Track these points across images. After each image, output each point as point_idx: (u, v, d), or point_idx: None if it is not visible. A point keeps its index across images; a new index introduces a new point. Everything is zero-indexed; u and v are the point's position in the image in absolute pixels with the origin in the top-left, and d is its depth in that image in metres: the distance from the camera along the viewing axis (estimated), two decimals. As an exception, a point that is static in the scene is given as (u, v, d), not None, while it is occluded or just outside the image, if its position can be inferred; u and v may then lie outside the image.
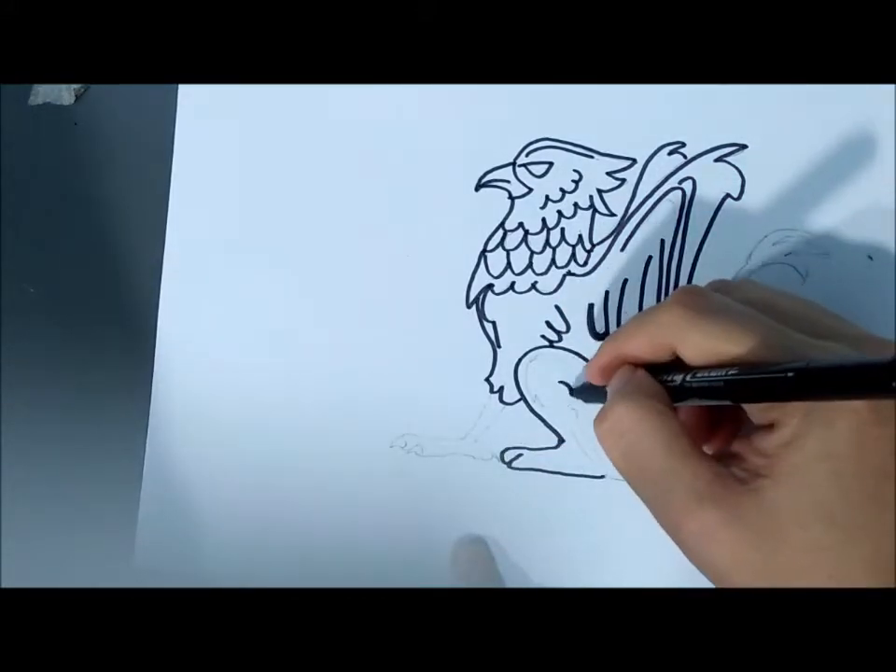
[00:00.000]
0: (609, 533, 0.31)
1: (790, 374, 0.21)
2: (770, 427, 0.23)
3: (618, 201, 0.31)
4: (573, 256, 0.31)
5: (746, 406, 0.24)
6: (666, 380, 0.25)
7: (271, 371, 0.32)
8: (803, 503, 0.22)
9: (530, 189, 0.31)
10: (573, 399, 0.31)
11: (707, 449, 0.27)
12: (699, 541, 0.23)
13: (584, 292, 0.31)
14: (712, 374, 0.23)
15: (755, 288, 0.27)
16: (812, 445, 0.22)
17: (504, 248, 0.31)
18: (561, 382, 0.31)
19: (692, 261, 0.30)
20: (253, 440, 0.32)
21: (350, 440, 0.32)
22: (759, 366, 0.22)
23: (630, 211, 0.31)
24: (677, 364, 0.25)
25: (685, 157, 0.30)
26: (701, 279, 0.30)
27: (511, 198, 0.31)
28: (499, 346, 0.31)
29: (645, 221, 0.31)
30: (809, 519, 0.22)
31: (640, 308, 0.31)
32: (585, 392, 0.30)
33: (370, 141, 0.32)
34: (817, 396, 0.21)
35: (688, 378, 0.24)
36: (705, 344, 0.24)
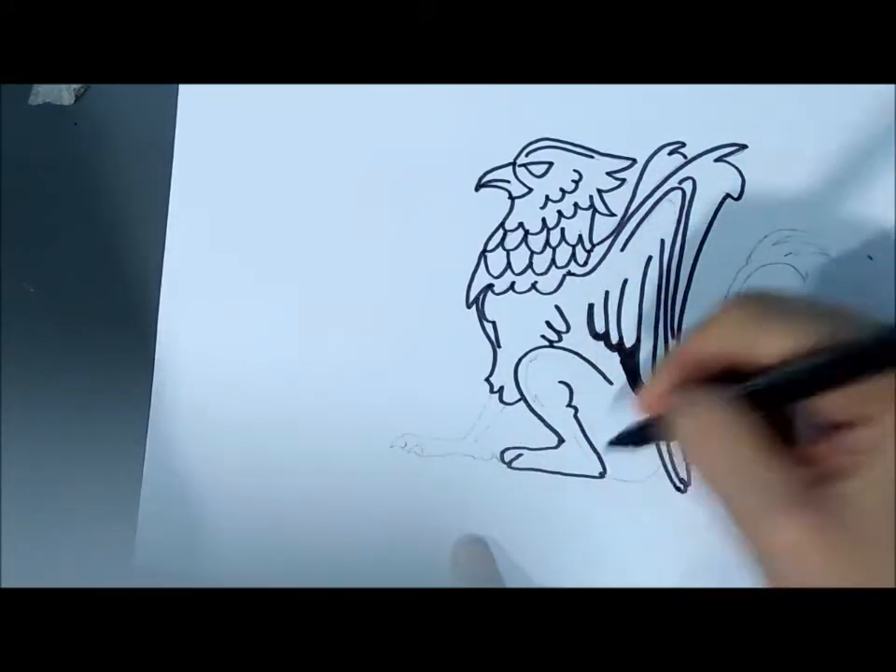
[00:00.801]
0: (608, 533, 0.31)
1: (882, 335, 0.20)
2: (851, 425, 0.22)
3: (618, 201, 0.31)
4: (573, 256, 0.31)
5: (826, 404, 0.23)
6: (748, 387, 0.24)
7: (270, 370, 0.32)
8: None
9: (530, 189, 0.31)
10: (573, 399, 0.31)
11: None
12: (795, 547, 0.21)
13: (584, 292, 0.31)
14: (793, 367, 0.22)
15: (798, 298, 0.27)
16: None
17: (504, 248, 0.31)
18: (561, 382, 0.31)
19: (692, 261, 0.30)
20: (253, 439, 0.32)
21: (350, 439, 0.32)
22: (844, 346, 0.21)
23: (630, 211, 0.31)
24: (744, 374, 0.24)
25: (685, 157, 0.30)
26: (701, 279, 0.30)
27: (511, 198, 0.31)
28: (499, 346, 0.31)
29: (645, 221, 0.31)
30: None
31: (640, 308, 0.31)
32: (632, 435, 0.29)
33: (370, 141, 0.32)
34: None
35: (764, 379, 0.23)
36: (782, 336, 0.23)
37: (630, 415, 0.30)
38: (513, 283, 0.31)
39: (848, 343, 0.21)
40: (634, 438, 0.29)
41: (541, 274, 0.31)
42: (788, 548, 0.22)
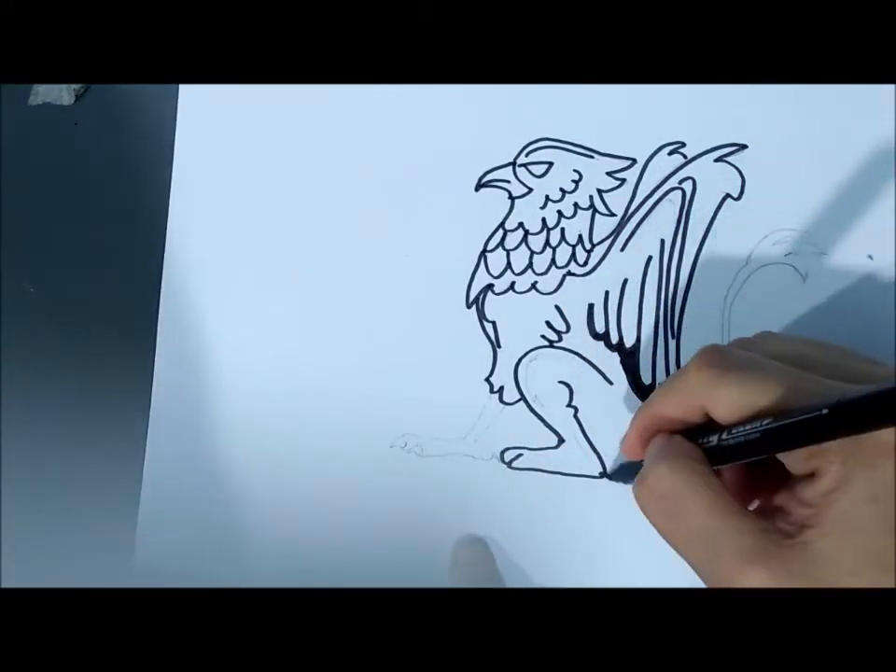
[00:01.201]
0: (608, 533, 0.31)
1: (824, 412, 0.21)
2: (811, 476, 0.23)
3: (618, 201, 0.31)
4: (573, 256, 0.31)
5: (785, 459, 0.24)
6: (703, 442, 0.25)
7: (270, 370, 0.32)
8: (852, 550, 0.22)
9: (530, 189, 0.31)
10: (573, 399, 0.31)
11: (749, 506, 0.26)
12: None
13: (584, 292, 0.31)
14: (747, 427, 0.23)
15: (777, 341, 0.27)
16: (857, 489, 0.22)
17: (504, 248, 0.31)
18: (561, 382, 0.31)
19: (692, 261, 0.30)
20: (253, 440, 0.32)
21: (350, 439, 0.32)
22: (792, 412, 0.22)
23: (630, 211, 0.31)
24: (710, 426, 0.25)
25: (685, 157, 0.30)
26: (701, 279, 0.30)
27: (511, 198, 0.31)
28: (499, 346, 0.31)
29: (645, 221, 0.31)
30: (860, 565, 0.21)
31: (640, 308, 0.31)
32: (623, 472, 0.30)
33: (370, 141, 0.32)
34: (853, 429, 0.21)
35: (724, 436, 0.24)
36: (736, 400, 0.24)
37: (629, 416, 0.30)
38: (513, 283, 0.31)
39: (794, 413, 0.22)
40: (624, 476, 0.30)
41: (541, 274, 0.31)
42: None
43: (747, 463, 0.24)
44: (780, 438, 0.22)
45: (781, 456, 0.24)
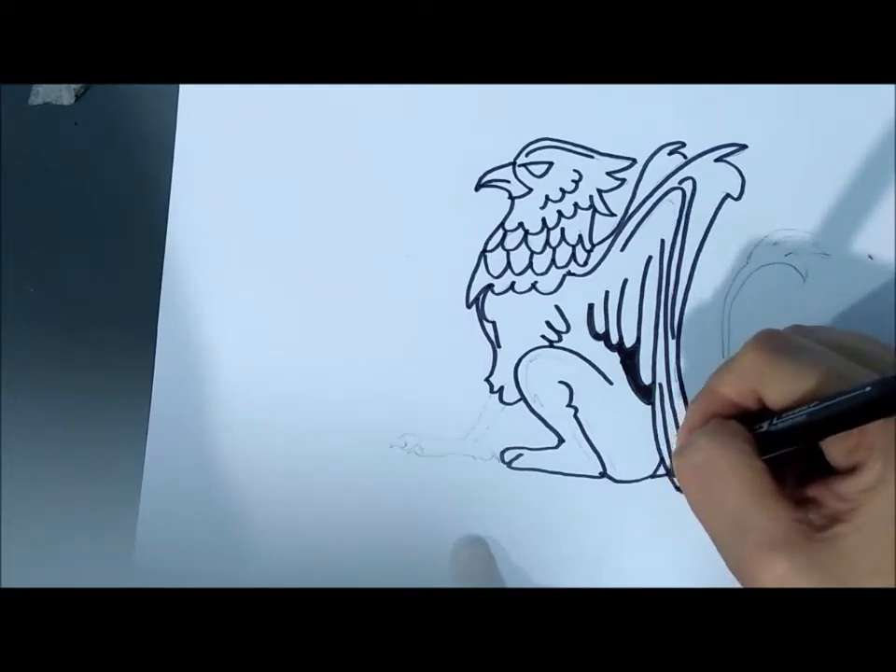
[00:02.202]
0: (608, 533, 0.31)
1: (867, 389, 0.21)
2: (851, 471, 0.23)
3: (618, 201, 0.31)
4: (573, 256, 0.31)
5: (828, 452, 0.24)
6: (755, 429, 0.25)
7: (270, 370, 0.32)
8: (881, 549, 0.22)
9: (530, 189, 0.31)
10: (573, 399, 0.31)
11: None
12: (779, 584, 0.23)
13: (584, 292, 0.31)
14: (794, 412, 0.24)
15: (825, 331, 0.27)
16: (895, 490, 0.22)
17: (504, 248, 0.31)
18: (561, 382, 0.31)
19: (692, 261, 0.30)
20: (252, 440, 0.32)
21: (350, 439, 0.32)
22: (838, 395, 0.22)
23: (630, 211, 0.31)
24: (763, 415, 0.25)
25: (685, 157, 0.30)
26: (701, 279, 0.30)
27: (511, 198, 0.31)
28: (499, 346, 0.31)
29: (645, 221, 0.31)
30: (886, 566, 0.21)
31: (640, 308, 0.31)
32: None
33: (370, 141, 0.32)
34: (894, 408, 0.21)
35: (774, 421, 0.24)
36: (789, 383, 0.24)
37: (629, 416, 0.30)
38: (513, 283, 0.31)
39: (846, 394, 0.22)
40: None
41: (541, 274, 0.31)
42: (774, 580, 0.23)
43: (791, 454, 0.24)
44: (826, 420, 0.22)
45: (825, 450, 0.24)
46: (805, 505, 0.24)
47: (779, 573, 0.22)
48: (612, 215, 0.31)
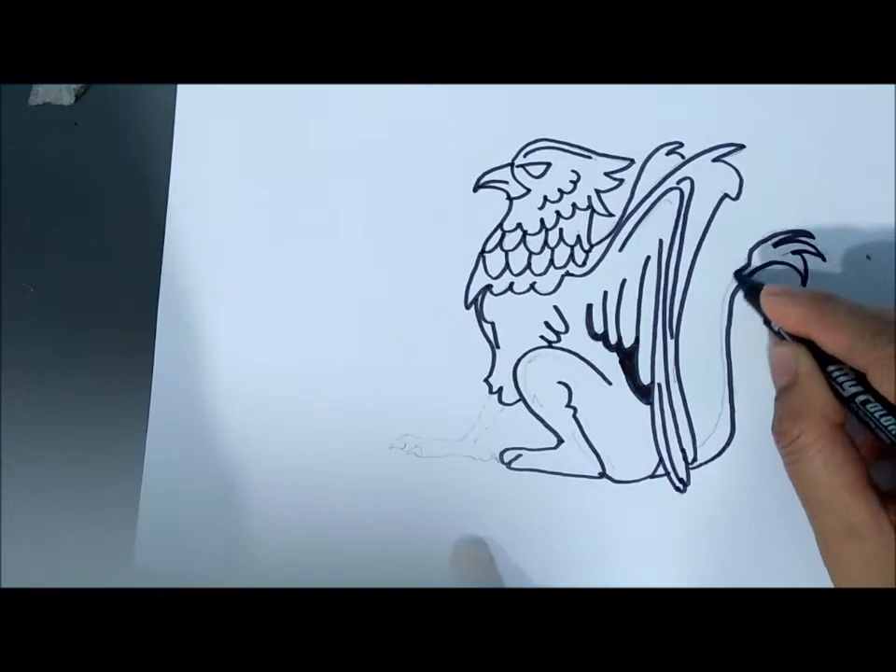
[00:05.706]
0: (607, 533, 0.31)
1: None
2: None
3: (616, 201, 0.31)
4: (571, 256, 0.31)
5: None
6: (837, 379, 0.26)
7: (269, 371, 0.32)
8: None
9: (528, 190, 0.31)
10: (572, 399, 0.31)
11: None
12: (837, 572, 0.25)
13: (583, 292, 0.31)
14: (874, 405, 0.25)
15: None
16: None
17: (502, 249, 0.31)
18: (560, 382, 0.31)
19: (690, 261, 0.30)
20: (252, 440, 0.32)
21: (350, 440, 0.32)
22: None
23: (628, 211, 0.31)
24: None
25: (683, 157, 0.30)
26: (699, 279, 0.30)
27: (510, 199, 0.31)
28: (498, 347, 0.31)
29: (643, 221, 0.31)
30: None
31: (639, 308, 0.31)
32: (752, 287, 0.30)
33: (368, 142, 0.32)
34: None
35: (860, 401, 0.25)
36: (845, 325, 0.25)
37: (628, 415, 0.30)
38: (512, 283, 0.31)
39: None
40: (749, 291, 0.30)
41: (540, 275, 0.31)
42: (843, 564, 0.25)
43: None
44: None
45: None
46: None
47: (844, 558, 0.24)
48: (610, 215, 0.31)
